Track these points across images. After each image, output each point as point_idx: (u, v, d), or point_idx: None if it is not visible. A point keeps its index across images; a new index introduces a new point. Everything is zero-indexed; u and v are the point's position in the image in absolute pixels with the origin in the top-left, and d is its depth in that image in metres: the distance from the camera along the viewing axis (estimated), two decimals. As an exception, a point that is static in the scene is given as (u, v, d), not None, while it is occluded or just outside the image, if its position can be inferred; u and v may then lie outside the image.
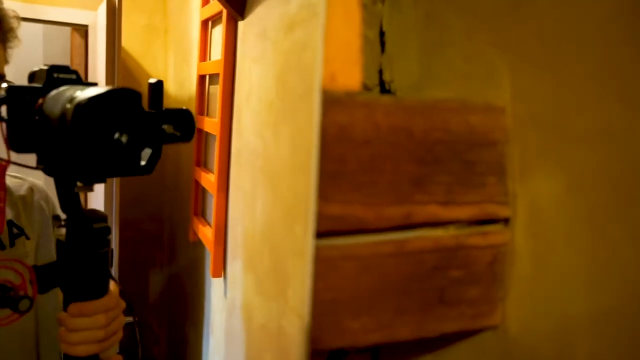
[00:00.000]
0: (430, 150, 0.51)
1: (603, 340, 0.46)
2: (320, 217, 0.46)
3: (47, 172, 0.61)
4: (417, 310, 0.51)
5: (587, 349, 0.47)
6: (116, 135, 0.50)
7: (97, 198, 1.87)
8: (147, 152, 0.54)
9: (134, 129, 0.52)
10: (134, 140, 0.52)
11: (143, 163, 0.54)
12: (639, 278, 0.43)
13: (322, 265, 0.46)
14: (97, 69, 1.89)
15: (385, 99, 0.49)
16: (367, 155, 0.48)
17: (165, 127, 0.59)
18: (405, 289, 0.50)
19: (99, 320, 0.63)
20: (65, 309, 0.65)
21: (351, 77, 0.48)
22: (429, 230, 0.52)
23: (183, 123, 0.62)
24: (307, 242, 0.44)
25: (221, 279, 1.52)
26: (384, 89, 0.81)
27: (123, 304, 0.73)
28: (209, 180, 1.55)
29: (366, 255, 0.48)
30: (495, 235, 0.54)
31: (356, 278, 0.48)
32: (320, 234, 0.46)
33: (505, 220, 0.55)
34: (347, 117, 0.47)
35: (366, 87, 0.83)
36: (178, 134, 0.61)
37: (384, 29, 0.79)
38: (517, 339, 0.54)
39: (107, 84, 1.69)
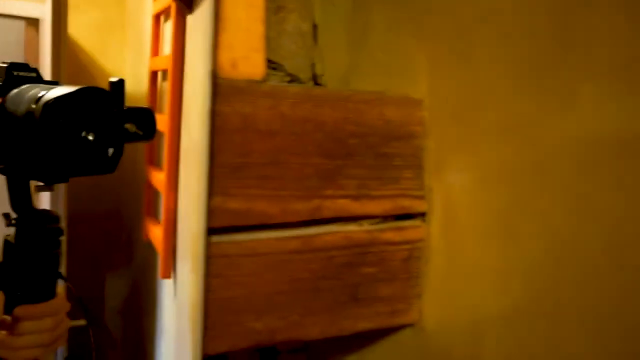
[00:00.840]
0: (343, 143, 0.50)
1: (511, 335, 0.45)
2: (220, 211, 0.44)
3: (3, 171, 0.59)
4: (328, 308, 0.49)
5: (496, 344, 0.46)
6: (83, 134, 0.50)
7: (43, 193, 1.80)
8: (110, 151, 0.54)
9: (100, 128, 0.51)
10: (99, 138, 0.51)
11: (106, 161, 0.53)
12: (545, 275, 0.42)
13: (221, 262, 0.44)
14: (45, 64, 1.84)
15: (293, 88, 0.47)
16: (272, 147, 0.46)
17: (127, 125, 0.59)
18: (314, 287, 0.48)
19: (47, 324, 0.60)
20: (8, 312, 0.61)
21: (254, 65, 0.46)
22: (340, 226, 0.50)
23: (145, 122, 0.61)
24: (199, 239, 0.42)
25: (171, 280, 1.48)
26: (316, 82, 0.80)
27: (69, 306, 0.70)
28: (159, 178, 1.51)
29: (270, 252, 0.46)
30: (410, 230, 0.53)
31: (259, 276, 0.46)
32: (219, 230, 0.44)
33: (422, 215, 0.54)
34: (250, 106, 0.45)
35: (299, 80, 0.81)
36: (140, 132, 0.61)
37: (317, 21, 0.77)
38: (433, 336, 0.53)
39: (53, 78, 1.63)
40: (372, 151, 0.51)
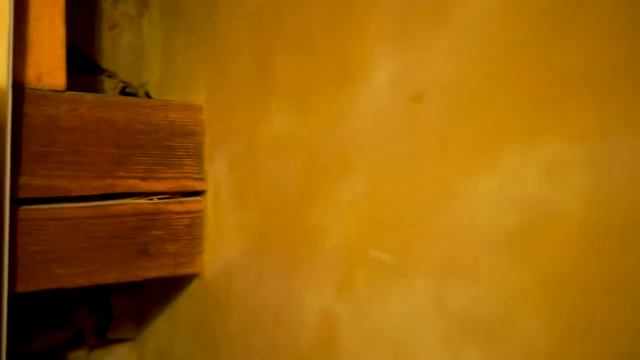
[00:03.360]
0: (132, 137, 0.67)
1: (243, 273, 0.64)
2: (27, 187, 0.59)
3: None
4: (121, 260, 0.66)
5: (238, 282, 0.65)
6: None
7: None
8: None
9: None
10: None
11: None
12: (259, 230, 0.62)
13: (29, 224, 0.60)
14: None
15: (89, 96, 0.64)
16: (72, 140, 0.62)
17: None
18: (109, 244, 0.65)
19: None
20: None
21: (56, 78, 0.62)
22: (131, 200, 0.67)
23: None
24: (6, 206, 0.57)
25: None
26: (145, 89, 0.96)
27: None
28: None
29: (71, 217, 0.62)
30: (192, 203, 0.71)
31: (63, 235, 0.62)
32: (27, 200, 0.60)
33: (203, 192, 0.72)
34: (54, 109, 0.61)
35: (132, 87, 0.97)
36: None
37: (144, 39, 0.93)
38: (210, 281, 0.71)
39: None
40: (158, 144, 0.68)
